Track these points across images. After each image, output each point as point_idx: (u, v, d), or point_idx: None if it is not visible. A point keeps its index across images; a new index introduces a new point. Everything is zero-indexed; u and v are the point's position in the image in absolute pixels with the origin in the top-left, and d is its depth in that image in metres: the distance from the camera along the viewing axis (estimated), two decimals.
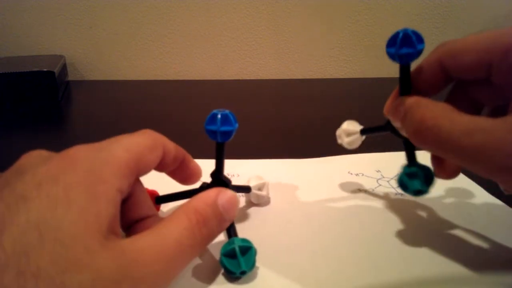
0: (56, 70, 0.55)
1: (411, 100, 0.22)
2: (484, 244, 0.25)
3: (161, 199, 0.27)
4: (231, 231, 0.23)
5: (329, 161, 0.36)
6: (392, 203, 0.29)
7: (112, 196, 0.18)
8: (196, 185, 0.26)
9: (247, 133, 0.45)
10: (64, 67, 0.62)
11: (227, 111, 0.22)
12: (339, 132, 0.30)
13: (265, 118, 0.50)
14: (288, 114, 0.52)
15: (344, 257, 0.23)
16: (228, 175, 0.33)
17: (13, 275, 0.15)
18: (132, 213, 0.22)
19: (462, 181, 0.33)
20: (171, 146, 0.24)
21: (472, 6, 0.73)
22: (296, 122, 0.49)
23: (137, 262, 0.17)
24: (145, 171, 0.22)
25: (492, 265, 0.23)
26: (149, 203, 0.23)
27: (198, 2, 0.67)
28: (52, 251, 0.15)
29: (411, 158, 0.25)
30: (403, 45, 0.21)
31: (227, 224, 0.22)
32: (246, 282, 0.22)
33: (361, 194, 0.31)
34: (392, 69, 0.71)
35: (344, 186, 0.32)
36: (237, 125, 0.22)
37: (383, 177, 0.33)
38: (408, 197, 0.29)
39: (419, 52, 0.22)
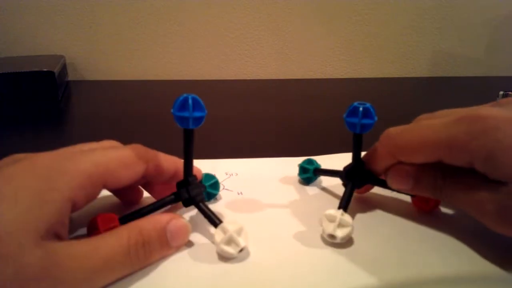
0: (56, 70, 0.55)
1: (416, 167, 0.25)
2: (479, 240, 0.25)
3: (126, 218, 0.23)
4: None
5: (330, 158, 0.36)
6: (390, 202, 0.29)
7: (60, 204, 0.19)
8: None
9: (247, 132, 0.45)
10: (64, 67, 0.62)
11: (195, 96, 0.22)
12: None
13: (265, 118, 0.50)
14: (288, 114, 0.52)
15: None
16: (227, 174, 0.33)
17: None
18: None
19: None
20: (159, 162, 0.24)
21: (472, 6, 0.72)
22: (296, 122, 0.49)
23: (61, 265, 0.18)
24: (116, 185, 0.22)
25: (488, 261, 0.23)
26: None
27: (198, 2, 0.67)
28: None
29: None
30: (365, 116, 0.24)
31: (173, 251, 0.23)
32: (241, 260, 0.23)
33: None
34: (391, 69, 0.71)
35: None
36: (206, 111, 0.23)
37: None
38: (404, 196, 0.29)
39: (374, 124, 0.24)
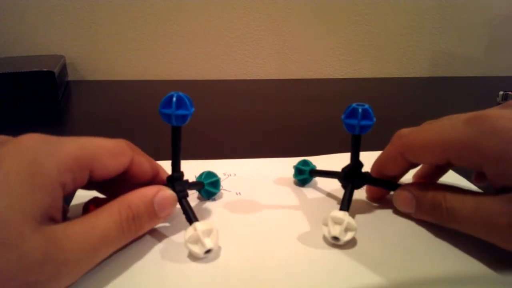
0: (56, 70, 0.55)
1: (419, 192, 0.25)
2: (480, 240, 0.25)
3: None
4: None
5: (327, 159, 0.36)
6: (389, 202, 0.29)
7: (51, 187, 0.19)
8: None
9: (246, 132, 0.45)
10: (64, 67, 0.62)
11: (182, 94, 0.22)
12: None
13: (265, 118, 0.50)
14: (288, 114, 0.52)
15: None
16: (225, 174, 0.33)
17: None
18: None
19: (452, 177, 0.33)
20: (143, 159, 0.25)
21: (472, 6, 0.73)
22: (296, 122, 0.49)
23: (63, 247, 0.18)
24: (103, 173, 0.22)
25: (489, 262, 0.23)
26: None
27: (198, 2, 0.67)
28: None
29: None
30: (364, 118, 0.24)
31: (161, 221, 0.24)
32: (241, 260, 0.23)
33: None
34: (391, 69, 0.71)
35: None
36: (193, 109, 0.23)
37: None
38: None
39: (373, 125, 0.24)
